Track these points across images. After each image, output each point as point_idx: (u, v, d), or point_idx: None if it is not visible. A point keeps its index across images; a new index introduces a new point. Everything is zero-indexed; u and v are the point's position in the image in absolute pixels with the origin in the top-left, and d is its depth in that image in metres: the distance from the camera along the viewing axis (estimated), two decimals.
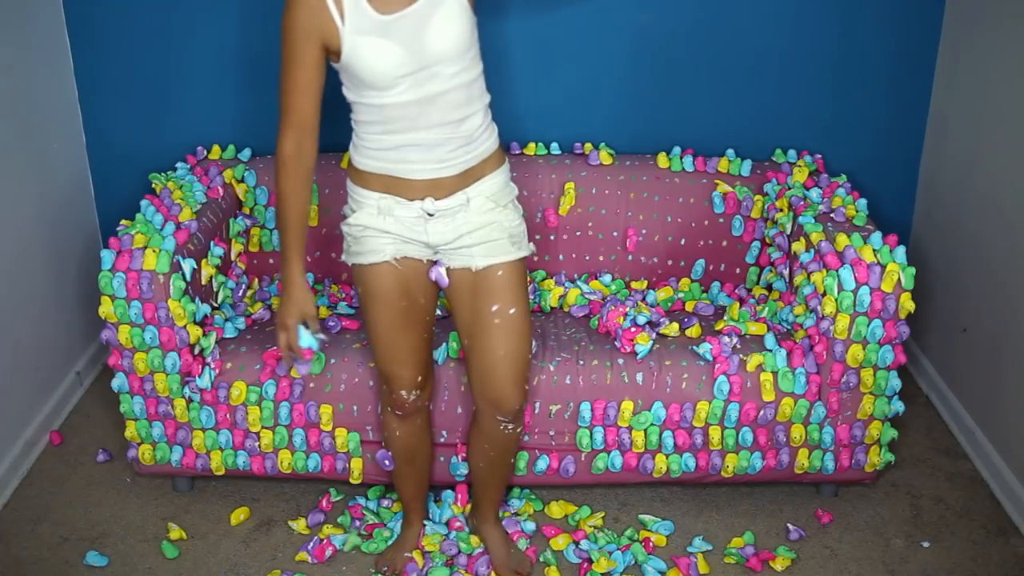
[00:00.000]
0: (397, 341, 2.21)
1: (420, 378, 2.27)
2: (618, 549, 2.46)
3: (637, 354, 2.48)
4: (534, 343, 2.45)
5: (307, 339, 2.14)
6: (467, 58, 2.03)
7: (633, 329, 2.52)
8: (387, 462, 2.43)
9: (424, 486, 2.48)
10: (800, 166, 2.88)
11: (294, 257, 2.11)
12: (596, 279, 2.88)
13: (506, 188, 2.19)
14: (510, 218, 2.18)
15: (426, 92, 2.01)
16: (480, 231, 2.14)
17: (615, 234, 2.90)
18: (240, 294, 2.75)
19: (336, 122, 3.01)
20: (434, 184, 2.09)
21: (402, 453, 2.38)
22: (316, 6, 1.96)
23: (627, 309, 2.58)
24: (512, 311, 2.16)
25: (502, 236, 2.15)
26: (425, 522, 2.49)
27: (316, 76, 2.04)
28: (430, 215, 2.11)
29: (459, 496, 2.57)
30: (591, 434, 2.49)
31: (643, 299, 2.78)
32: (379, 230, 2.13)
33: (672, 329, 2.58)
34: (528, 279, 2.25)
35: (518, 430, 2.30)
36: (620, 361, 2.48)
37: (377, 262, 2.15)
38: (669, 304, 2.79)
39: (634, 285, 2.88)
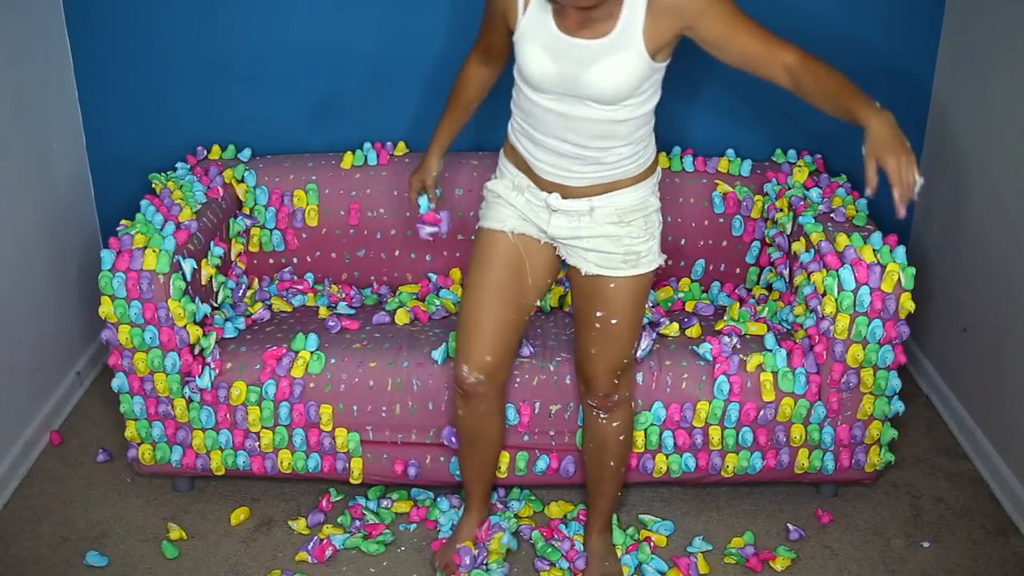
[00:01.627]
0: (482, 310, 2.21)
1: (490, 359, 2.22)
2: (625, 552, 2.46)
3: (637, 354, 2.48)
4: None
5: (424, 204, 2.43)
6: (625, 104, 2.01)
7: None
8: (453, 439, 2.45)
9: (485, 474, 2.44)
10: (800, 166, 2.88)
11: (441, 131, 2.36)
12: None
13: (638, 205, 2.15)
14: (632, 234, 2.14)
15: (570, 112, 2.02)
16: (596, 239, 2.15)
17: None
18: (240, 294, 2.75)
19: (339, 122, 3.03)
20: (561, 185, 2.13)
21: (463, 434, 2.38)
22: None
23: None
24: (614, 322, 2.18)
25: (616, 251, 2.14)
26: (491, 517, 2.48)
27: (500, 30, 2.12)
28: (553, 210, 2.15)
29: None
30: None
31: None
32: (508, 202, 2.21)
33: (672, 329, 2.58)
34: (647, 291, 2.24)
35: (614, 424, 2.31)
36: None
37: (495, 228, 2.22)
38: (669, 304, 2.79)
39: None
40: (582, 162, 2.08)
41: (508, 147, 2.21)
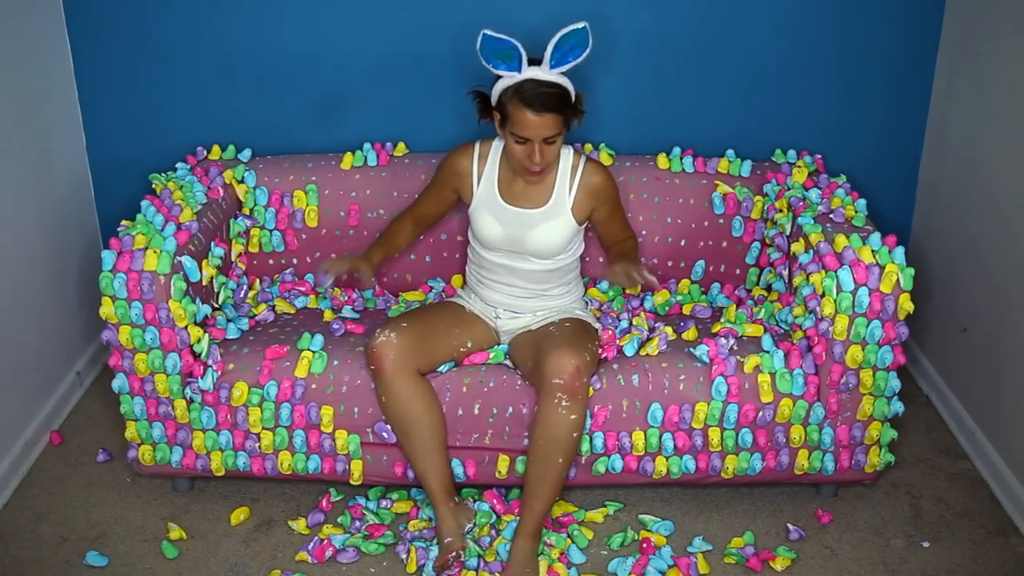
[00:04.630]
0: (421, 312, 2.57)
1: (405, 324, 2.45)
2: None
3: (626, 353, 2.49)
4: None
5: (325, 282, 2.55)
6: (558, 258, 2.58)
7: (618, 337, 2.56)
8: (384, 434, 2.49)
9: (434, 464, 2.45)
10: (800, 166, 2.88)
11: (374, 253, 2.61)
12: (594, 287, 2.88)
13: (570, 305, 2.64)
14: (573, 314, 2.59)
15: (514, 265, 2.58)
16: (543, 319, 2.60)
17: None
18: (241, 295, 2.75)
19: (339, 122, 3.03)
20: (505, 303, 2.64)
21: (393, 426, 2.46)
22: (465, 169, 2.59)
23: (618, 315, 2.62)
24: (567, 325, 2.52)
25: (556, 312, 2.60)
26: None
27: (443, 201, 2.68)
28: (497, 317, 2.63)
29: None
30: (591, 439, 2.48)
31: (640, 304, 2.79)
32: (468, 301, 2.68)
33: (668, 332, 2.58)
34: (591, 336, 2.52)
35: (572, 416, 2.33)
36: (614, 366, 2.48)
37: (455, 300, 2.68)
38: (667, 308, 2.79)
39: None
40: (522, 295, 2.61)
41: (464, 281, 2.75)
